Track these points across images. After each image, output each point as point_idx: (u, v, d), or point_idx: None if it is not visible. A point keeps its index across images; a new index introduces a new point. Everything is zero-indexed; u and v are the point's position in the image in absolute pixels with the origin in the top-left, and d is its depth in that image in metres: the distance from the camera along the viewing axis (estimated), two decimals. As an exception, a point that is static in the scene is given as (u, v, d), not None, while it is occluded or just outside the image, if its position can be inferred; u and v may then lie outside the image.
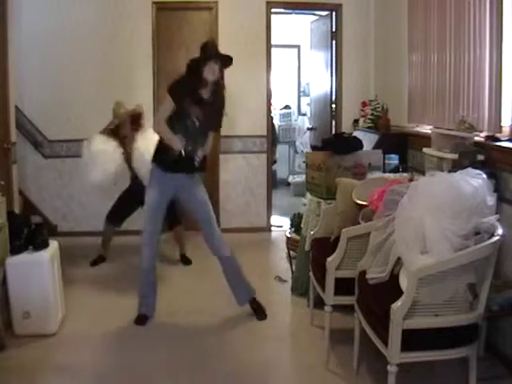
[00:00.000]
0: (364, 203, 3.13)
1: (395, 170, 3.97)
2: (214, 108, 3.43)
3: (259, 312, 3.63)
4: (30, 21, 5.38)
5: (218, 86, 3.43)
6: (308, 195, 4.10)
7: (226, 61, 3.39)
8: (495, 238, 2.25)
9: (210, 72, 3.31)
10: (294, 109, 9.18)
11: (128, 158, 4.43)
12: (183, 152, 3.30)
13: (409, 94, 4.70)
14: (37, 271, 3.28)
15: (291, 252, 4.47)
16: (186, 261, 4.80)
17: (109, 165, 4.30)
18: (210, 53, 3.33)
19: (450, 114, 3.83)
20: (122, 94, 4.83)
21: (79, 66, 5.48)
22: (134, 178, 4.51)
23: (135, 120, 4.48)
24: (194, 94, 3.35)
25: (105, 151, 4.32)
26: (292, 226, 4.66)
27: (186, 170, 3.42)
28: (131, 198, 4.57)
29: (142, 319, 3.59)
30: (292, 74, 9.35)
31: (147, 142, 4.11)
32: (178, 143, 3.29)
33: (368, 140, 4.62)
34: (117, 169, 4.36)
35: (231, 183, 5.83)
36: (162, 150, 3.42)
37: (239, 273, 3.65)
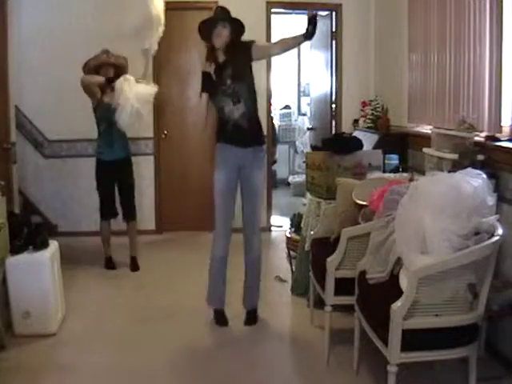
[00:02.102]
0: (364, 203, 3.13)
1: (395, 170, 3.97)
2: (238, 64, 3.37)
3: (251, 321, 3.57)
4: (29, 21, 5.38)
5: (233, 47, 3.36)
6: (308, 195, 4.10)
7: (236, 25, 3.34)
8: (495, 238, 2.25)
9: (216, 37, 3.29)
10: (294, 109, 9.18)
11: (96, 109, 4.41)
12: (233, 115, 3.31)
13: (409, 94, 4.70)
14: (37, 271, 3.28)
15: (291, 252, 4.47)
16: (134, 266, 4.63)
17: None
18: (216, 17, 3.32)
19: (449, 114, 3.83)
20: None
21: (79, 66, 5.46)
22: (98, 154, 4.47)
23: (118, 72, 4.40)
24: (209, 74, 3.35)
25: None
26: (292, 225, 4.66)
27: (247, 142, 3.37)
28: (105, 181, 4.50)
29: (219, 316, 3.53)
30: (292, 74, 9.35)
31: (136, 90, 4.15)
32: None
33: (368, 140, 4.61)
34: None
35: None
36: (219, 128, 3.41)
37: (259, 278, 3.60)
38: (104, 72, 4.36)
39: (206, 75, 3.38)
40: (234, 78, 3.34)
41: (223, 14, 3.35)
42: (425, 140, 3.87)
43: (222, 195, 3.42)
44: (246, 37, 5.15)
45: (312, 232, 3.56)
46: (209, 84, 3.37)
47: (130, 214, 4.63)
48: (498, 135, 3.18)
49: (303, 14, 7.26)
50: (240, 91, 3.34)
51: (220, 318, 3.55)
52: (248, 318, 3.57)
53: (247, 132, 3.37)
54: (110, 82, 4.33)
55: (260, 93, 5.71)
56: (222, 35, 3.28)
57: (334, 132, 6.02)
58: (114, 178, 4.54)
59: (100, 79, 4.33)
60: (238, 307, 3.65)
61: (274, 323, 3.59)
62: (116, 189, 4.60)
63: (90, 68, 4.39)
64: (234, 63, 3.35)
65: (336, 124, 6.10)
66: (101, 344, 3.28)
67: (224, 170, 3.40)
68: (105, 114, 4.38)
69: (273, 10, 5.84)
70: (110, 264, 4.65)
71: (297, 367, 3.08)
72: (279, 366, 3.07)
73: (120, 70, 4.43)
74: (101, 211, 4.61)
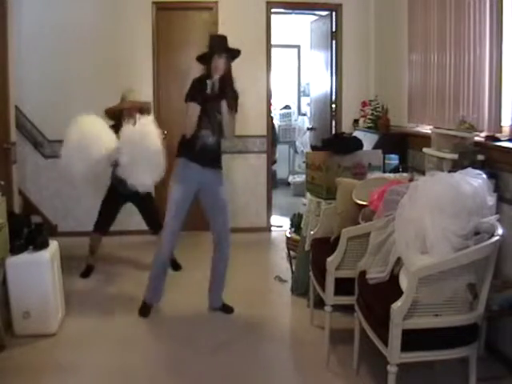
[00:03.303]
0: (364, 203, 3.13)
1: (395, 170, 3.97)
2: (229, 96, 3.47)
3: (227, 309, 3.73)
4: (29, 21, 5.38)
5: (227, 79, 3.45)
6: (308, 195, 4.10)
7: (233, 53, 3.45)
8: (495, 238, 2.25)
9: (214, 69, 3.38)
10: (294, 109, 9.18)
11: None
12: (208, 140, 3.46)
13: (409, 94, 4.70)
14: (37, 271, 3.28)
15: (291, 252, 4.47)
16: (176, 266, 4.61)
17: (100, 149, 4.09)
18: (214, 48, 3.40)
19: (450, 114, 3.83)
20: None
21: (79, 66, 5.48)
22: (114, 174, 4.34)
23: (141, 114, 4.32)
24: (204, 91, 3.42)
25: (99, 132, 4.15)
26: (292, 225, 4.66)
27: (210, 164, 3.54)
28: (113, 199, 4.48)
29: (146, 308, 3.69)
30: (292, 74, 9.35)
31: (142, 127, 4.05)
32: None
33: (368, 140, 4.62)
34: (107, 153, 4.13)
35: (231, 183, 5.83)
36: (186, 143, 3.50)
37: (224, 277, 3.74)
38: (128, 115, 4.28)
39: (197, 86, 3.44)
40: (223, 113, 3.47)
41: (221, 44, 3.44)
42: (425, 140, 3.87)
43: (178, 206, 3.54)
44: (246, 37, 5.16)
45: (312, 232, 3.56)
46: (198, 97, 3.41)
47: (154, 226, 4.55)
48: (497, 135, 3.19)
49: (303, 13, 7.30)
50: (220, 124, 3.50)
51: (145, 311, 3.69)
52: (225, 310, 3.72)
53: (213, 156, 3.57)
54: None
55: (260, 93, 5.79)
56: (219, 68, 3.40)
57: (334, 132, 6.02)
58: (124, 200, 4.53)
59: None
60: (236, 308, 3.66)
61: (274, 323, 3.59)
62: (133, 205, 4.60)
63: (116, 111, 4.36)
64: (227, 99, 3.46)
65: (336, 124, 6.10)
66: (101, 344, 3.28)
67: (184, 184, 3.53)
68: None
69: (273, 10, 5.83)
70: (86, 272, 4.51)
71: (297, 367, 3.08)
72: (279, 366, 3.07)
73: (142, 113, 4.34)
74: (98, 225, 4.53)
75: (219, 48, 3.40)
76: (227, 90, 3.45)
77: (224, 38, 3.50)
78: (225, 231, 3.66)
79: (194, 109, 3.40)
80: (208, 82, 3.41)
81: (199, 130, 3.46)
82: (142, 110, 4.39)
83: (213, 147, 3.53)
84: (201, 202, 3.67)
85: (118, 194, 4.44)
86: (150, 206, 4.62)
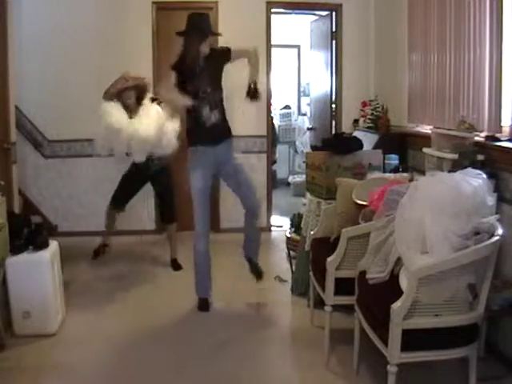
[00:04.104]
0: (364, 203, 3.13)
1: (395, 170, 3.97)
2: (213, 65, 3.57)
3: (256, 272, 3.91)
4: (30, 21, 5.38)
5: (210, 55, 3.55)
6: (308, 195, 4.10)
7: (208, 34, 3.55)
8: (495, 238, 2.25)
9: (191, 47, 3.48)
10: (294, 109, 9.18)
11: None
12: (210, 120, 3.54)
13: (409, 94, 4.70)
14: (37, 271, 3.28)
15: (291, 252, 4.47)
16: (176, 266, 4.63)
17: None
18: (189, 28, 3.50)
19: (449, 114, 3.83)
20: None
21: (79, 66, 5.47)
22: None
23: (139, 93, 4.37)
24: (191, 67, 3.52)
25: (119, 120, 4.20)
26: (292, 225, 4.66)
27: (221, 139, 3.62)
28: (133, 177, 4.50)
29: (202, 303, 3.74)
30: (292, 74, 9.35)
31: (149, 119, 4.13)
32: (186, 100, 3.43)
33: (368, 140, 4.61)
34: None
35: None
36: (193, 131, 3.62)
37: (258, 234, 3.92)
38: (126, 97, 4.30)
39: (179, 67, 3.55)
40: (213, 86, 3.55)
41: (201, 25, 3.52)
42: (425, 140, 3.87)
43: (202, 193, 3.61)
44: (246, 37, 5.17)
45: (312, 232, 3.56)
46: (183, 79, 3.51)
47: (167, 217, 4.62)
48: (497, 135, 3.19)
49: (303, 13, 7.30)
50: (217, 98, 3.58)
51: (204, 306, 3.74)
52: (250, 267, 3.92)
53: (221, 131, 3.65)
54: (138, 104, 4.32)
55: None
56: (203, 48, 3.51)
57: (334, 132, 6.01)
58: (145, 178, 4.53)
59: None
60: (237, 308, 3.66)
61: (274, 323, 3.59)
62: (153, 192, 4.68)
63: (113, 95, 4.32)
64: (212, 71, 3.56)
65: (336, 124, 6.09)
66: (101, 344, 3.28)
67: (201, 170, 3.61)
68: None
69: (273, 10, 5.83)
70: (102, 249, 4.71)
71: (297, 367, 3.09)
72: (279, 366, 3.07)
73: (141, 91, 4.37)
74: (115, 200, 4.57)
75: (194, 28, 3.48)
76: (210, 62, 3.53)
77: (204, 18, 3.58)
78: (251, 191, 3.74)
79: (170, 76, 3.52)
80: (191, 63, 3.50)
81: (200, 116, 3.53)
82: (138, 87, 4.37)
83: (218, 123, 3.59)
84: (222, 179, 3.83)
85: (140, 171, 4.45)
86: (170, 197, 4.59)
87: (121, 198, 4.58)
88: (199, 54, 3.51)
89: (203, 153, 3.60)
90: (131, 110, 4.29)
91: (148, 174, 4.46)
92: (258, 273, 3.92)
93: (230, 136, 3.72)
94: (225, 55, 3.60)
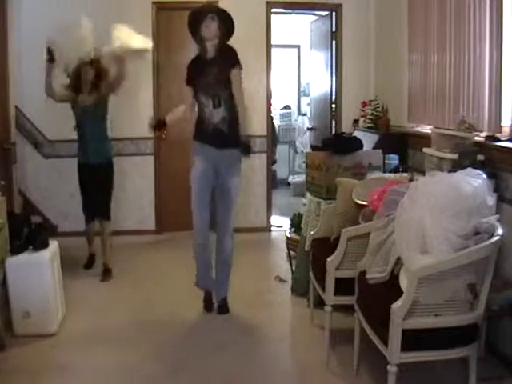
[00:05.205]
0: (364, 203, 3.13)
1: (395, 170, 3.97)
2: (224, 65, 3.44)
3: (223, 310, 3.69)
4: (30, 21, 5.37)
5: (222, 45, 3.46)
6: (308, 195, 4.10)
7: (225, 18, 3.43)
8: (495, 238, 2.25)
9: (205, 28, 3.38)
10: (294, 109, 9.18)
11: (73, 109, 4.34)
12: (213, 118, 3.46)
13: (409, 94, 4.70)
14: (37, 271, 3.28)
15: (291, 252, 4.46)
16: (107, 274, 4.38)
17: None
18: (205, 10, 3.43)
19: (450, 113, 3.83)
20: (122, 94, 4.82)
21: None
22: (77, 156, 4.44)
23: (98, 72, 4.32)
24: (199, 59, 3.49)
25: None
26: (292, 225, 4.65)
27: (224, 145, 3.48)
28: (81, 183, 4.48)
29: (207, 299, 3.72)
30: (292, 74, 9.35)
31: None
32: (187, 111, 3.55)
33: (368, 140, 4.61)
34: None
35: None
36: (198, 126, 3.56)
37: (229, 274, 3.71)
38: (84, 73, 4.28)
39: (190, 66, 3.53)
40: (219, 78, 3.43)
41: (212, 7, 3.50)
42: (425, 140, 3.87)
43: (199, 182, 3.53)
44: (246, 37, 5.15)
45: (312, 232, 3.56)
46: (192, 76, 3.50)
47: (102, 214, 4.49)
48: (497, 135, 3.19)
49: (303, 13, 7.30)
50: (222, 95, 3.44)
51: (207, 303, 3.72)
52: (219, 307, 3.70)
53: (226, 136, 3.48)
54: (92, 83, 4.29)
55: (260, 93, 5.78)
56: (210, 27, 3.38)
57: (333, 132, 6.02)
58: (90, 181, 4.44)
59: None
60: (236, 308, 3.66)
61: (274, 323, 3.60)
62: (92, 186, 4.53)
63: (73, 72, 4.30)
64: (221, 64, 3.44)
65: (336, 124, 6.10)
66: (101, 344, 3.27)
67: (201, 162, 3.53)
68: (79, 116, 4.37)
69: (273, 10, 5.83)
70: (89, 264, 4.64)
71: (297, 367, 3.09)
72: (279, 366, 3.07)
73: (101, 73, 4.32)
74: (82, 210, 4.58)
75: (210, 9, 3.45)
76: (221, 57, 3.43)
77: (213, 6, 3.62)
78: (224, 225, 3.59)
79: (188, 92, 3.51)
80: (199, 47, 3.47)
81: (203, 113, 3.50)
82: (100, 68, 4.35)
83: (224, 126, 3.46)
84: (215, 194, 3.63)
85: (81, 176, 4.47)
86: (110, 192, 4.50)
87: (85, 211, 4.55)
88: (213, 33, 3.40)
89: (203, 151, 3.53)
90: (84, 86, 4.26)
91: (90, 173, 4.40)
92: (226, 309, 3.71)
93: (235, 146, 3.42)
94: (231, 61, 3.43)
